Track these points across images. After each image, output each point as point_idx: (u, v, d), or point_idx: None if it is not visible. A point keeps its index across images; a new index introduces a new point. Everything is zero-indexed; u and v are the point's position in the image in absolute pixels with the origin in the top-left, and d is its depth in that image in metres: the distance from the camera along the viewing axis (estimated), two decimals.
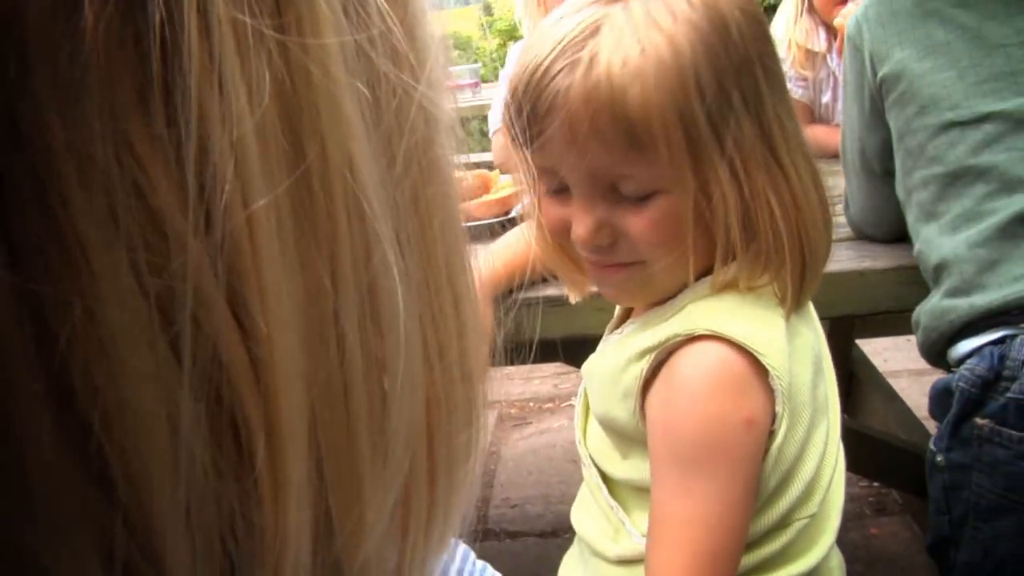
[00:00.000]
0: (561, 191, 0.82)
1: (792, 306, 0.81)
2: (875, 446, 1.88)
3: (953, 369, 1.15)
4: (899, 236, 1.36)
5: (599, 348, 0.92)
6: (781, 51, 2.36)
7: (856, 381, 2.33)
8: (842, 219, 1.49)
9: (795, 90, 2.34)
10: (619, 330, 0.91)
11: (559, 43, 0.75)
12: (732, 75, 0.75)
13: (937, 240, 1.19)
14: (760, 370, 0.76)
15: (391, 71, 0.25)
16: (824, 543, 0.87)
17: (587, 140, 0.75)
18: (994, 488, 1.10)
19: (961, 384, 1.11)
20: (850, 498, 2.37)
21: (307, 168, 0.22)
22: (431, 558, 0.29)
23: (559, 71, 0.74)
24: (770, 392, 0.77)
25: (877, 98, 1.30)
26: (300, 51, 0.22)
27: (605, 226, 0.79)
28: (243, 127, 0.20)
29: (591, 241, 0.80)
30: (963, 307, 1.13)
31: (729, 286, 0.79)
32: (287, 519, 0.22)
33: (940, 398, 1.16)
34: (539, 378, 3.18)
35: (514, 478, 2.55)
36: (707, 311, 0.79)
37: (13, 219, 0.18)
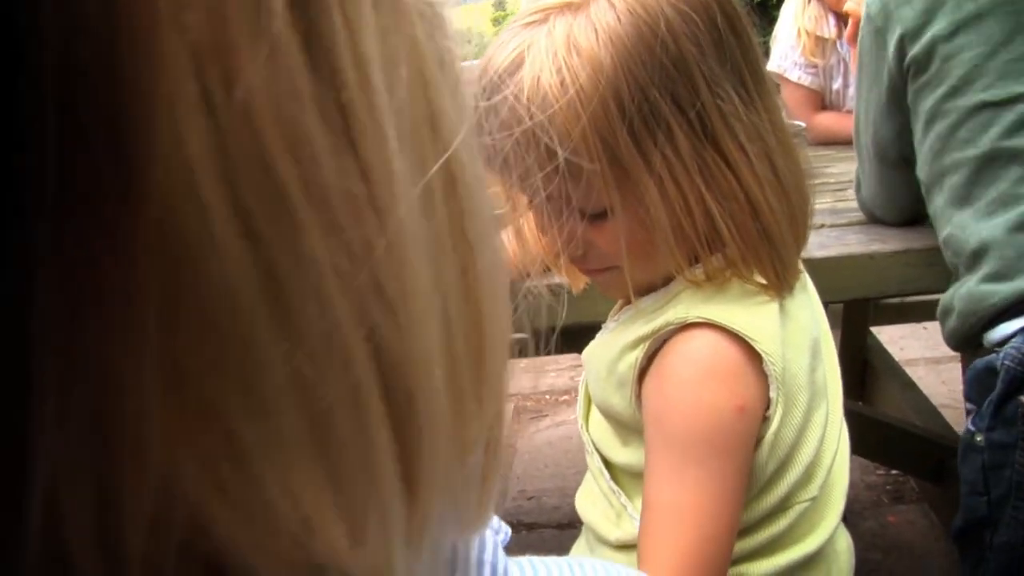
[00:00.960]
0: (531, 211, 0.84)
1: (779, 292, 0.82)
2: (891, 434, 1.88)
3: (996, 349, 1.14)
4: (910, 220, 1.35)
5: (598, 335, 0.93)
6: (790, 39, 2.35)
7: (872, 369, 2.33)
8: (853, 203, 1.49)
9: (804, 77, 2.33)
10: (616, 317, 0.92)
11: (488, 78, 0.76)
12: (660, 84, 0.74)
13: (974, 225, 1.17)
14: (753, 356, 0.78)
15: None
16: (827, 526, 0.88)
17: (524, 168, 0.74)
18: None
19: (1007, 363, 1.10)
20: (867, 486, 2.41)
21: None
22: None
23: (488, 112, 0.74)
24: (764, 378, 0.78)
25: (899, 82, 1.27)
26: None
27: (573, 239, 0.81)
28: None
29: (563, 253, 0.84)
30: (1006, 291, 1.12)
31: (718, 274, 0.80)
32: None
33: (981, 378, 1.14)
34: (554, 371, 3.18)
35: (530, 470, 2.56)
36: (699, 299, 0.80)
37: None
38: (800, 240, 0.85)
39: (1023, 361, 1.09)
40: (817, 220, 1.07)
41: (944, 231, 1.23)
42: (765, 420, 0.80)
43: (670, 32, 0.74)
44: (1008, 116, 1.17)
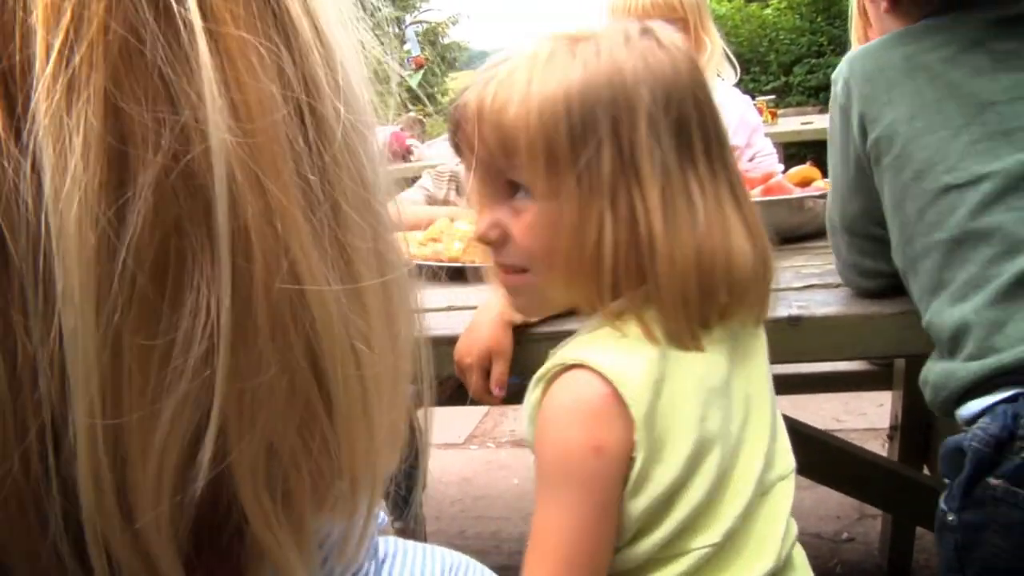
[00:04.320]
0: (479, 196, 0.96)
1: (665, 343, 0.87)
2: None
3: (964, 428, 1.12)
4: (885, 289, 1.32)
5: None
6: None
7: (935, 431, 2.26)
8: None
9: None
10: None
11: (476, 73, 0.93)
12: (606, 107, 0.86)
13: (947, 311, 1.15)
14: (620, 399, 0.84)
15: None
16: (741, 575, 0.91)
17: (475, 144, 0.90)
18: (1012, 549, 1.06)
19: (974, 444, 1.07)
20: (919, 549, 2.33)
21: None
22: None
23: (467, 91, 0.92)
24: (630, 421, 0.84)
25: (864, 162, 1.26)
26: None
27: (497, 225, 0.93)
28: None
29: (484, 235, 0.94)
30: (974, 367, 1.10)
31: (617, 316, 0.88)
32: None
33: (952, 457, 1.12)
34: None
35: None
36: (586, 341, 0.89)
37: None
38: (708, 300, 0.88)
39: (989, 442, 1.06)
40: None
41: (924, 317, 1.20)
42: (631, 461, 0.85)
43: (633, 77, 0.87)
44: (973, 197, 1.14)
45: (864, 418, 3.31)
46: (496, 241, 0.93)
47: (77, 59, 0.26)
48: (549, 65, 0.87)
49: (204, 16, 0.27)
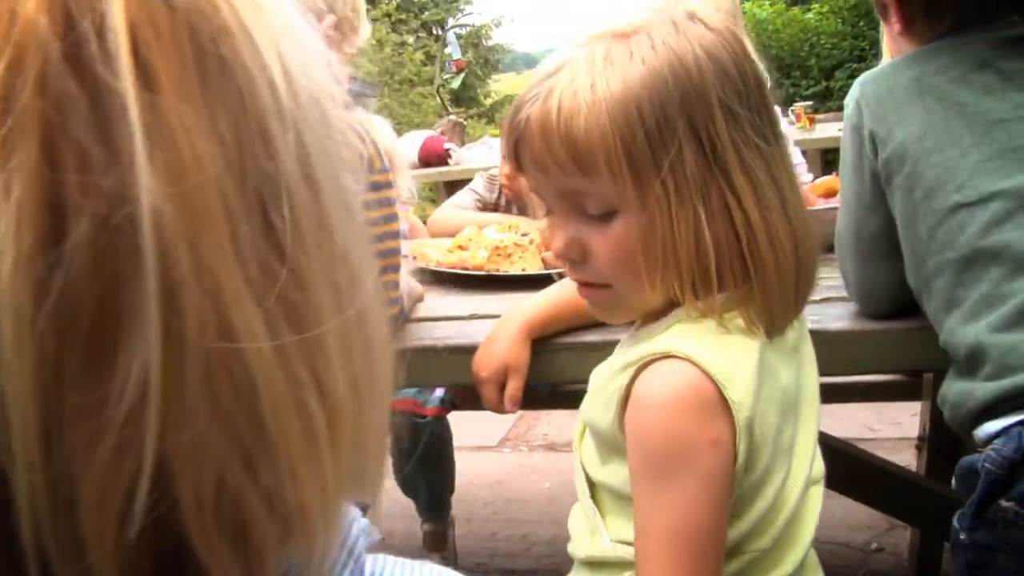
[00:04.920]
0: (550, 212, 0.93)
1: (766, 335, 0.85)
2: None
3: (980, 449, 1.12)
4: (894, 313, 1.33)
5: (609, 359, 0.98)
6: None
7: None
8: None
9: None
10: (621, 343, 0.98)
11: (530, 83, 0.88)
12: (679, 105, 0.82)
13: (961, 329, 1.16)
14: (724, 400, 0.81)
15: None
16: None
17: (545, 162, 0.86)
18: (1021, 572, 1.06)
19: (987, 465, 1.08)
20: (948, 560, 2.31)
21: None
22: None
23: (525, 104, 0.87)
24: (732, 424, 0.82)
25: (880, 177, 1.27)
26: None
27: (576, 242, 0.89)
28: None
29: (563, 254, 0.91)
30: (990, 388, 1.11)
31: (709, 313, 0.85)
32: None
33: (965, 477, 1.13)
34: None
35: None
36: (686, 334, 0.85)
37: None
38: (803, 287, 0.88)
39: (1003, 464, 1.06)
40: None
41: (941, 337, 1.21)
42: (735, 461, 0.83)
43: (696, 65, 0.83)
44: (982, 215, 1.15)
45: (898, 427, 3.28)
46: (576, 259, 0.90)
47: (7, 127, 0.27)
48: (609, 67, 0.83)
49: (137, 81, 0.28)
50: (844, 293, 1.39)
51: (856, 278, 1.36)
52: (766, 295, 0.84)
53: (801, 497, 0.93)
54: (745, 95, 0.85)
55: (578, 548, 0.99)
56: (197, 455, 0.30)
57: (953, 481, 1.18)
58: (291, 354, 0.32)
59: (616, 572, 0.93)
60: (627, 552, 0.91)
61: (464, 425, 2.79)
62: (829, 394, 2.53)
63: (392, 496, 2.69)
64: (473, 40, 18.09)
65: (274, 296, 0.31)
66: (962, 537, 1.12)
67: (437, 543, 2.58)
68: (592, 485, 0.98)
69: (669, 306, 0.88)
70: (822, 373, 1.29)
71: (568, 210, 0.89)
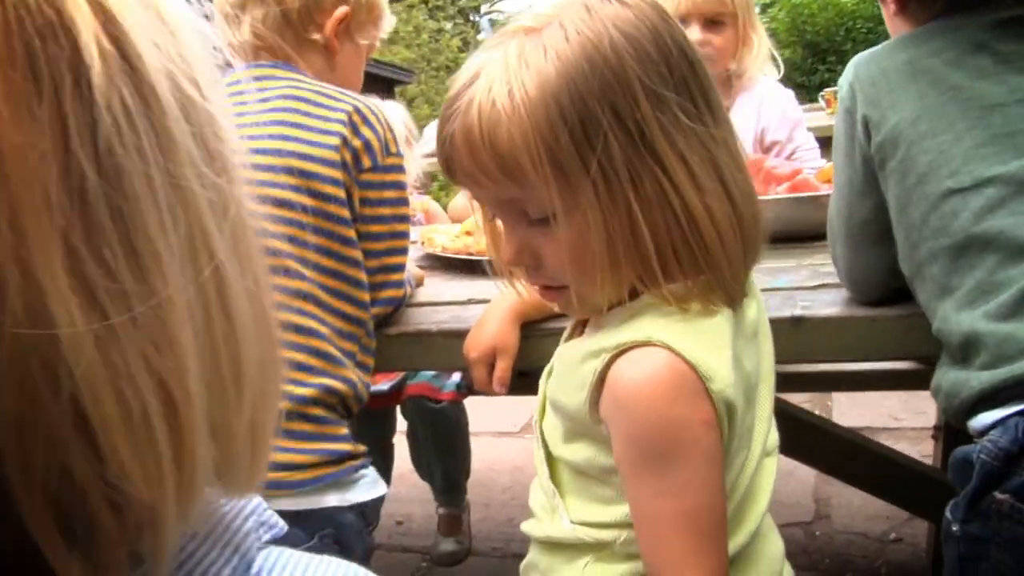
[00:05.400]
0: (495, 217, 0.92)
1: (727, 303, 0.85)
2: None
3: (976, 440, 1.10)
4: (886, 299, 1.31)
5: (576, 340, 0.97)
6: None
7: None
8: None
9: None
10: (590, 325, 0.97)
11: (450, 94, 0.86)
12: (599, 95, 0.80)
13: (955, 317, 1.14)
14: (705, 387, 0.81)
15: None
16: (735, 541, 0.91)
17: (476, 176, 0.85)
18: (1015, 565, 1.04)
19: (983, 456, 1.06)
20: None
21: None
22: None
23: (447, 119, 0.85)
24: (715, 407, 0.82)
25: (872, 162, 1.25)
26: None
27: (525, 248, 0.88)
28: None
29: (516, 261, 0.90)
30: (985, 377, 1.09)
31: (670, 300, 0.84)
32: None
33: (960, 467, 1.11)
34: None
35: None
36: (660, 319, 0.84)
37: None
38: (750, 254, 0.87)
39: (998, 456, 1.04)
40: None
41: (934, 324, 1.19)
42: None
43: (613, 50, 0.81)
44: (977, 201, 1.12)
45: (923, 416, 3.25)
46: (530, 264, 0.89)
47: None
48: (524, 68, 0.81)
49: None
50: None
51: (846, 263, 1.34)
52: (717, 275, 0.84)
53: (755, 470, 0.93)
54: (669, 75, 0.83)
55: (535, 528, 0.98)
56: (19, 438, 0.30)
57: (948, 471, 1.16)
58: (116, 340, 0.32)
59: (575, 554, 0.93)
60: (586, 534, 0.91)
61: (486, 411, 2.80)
62: (852, 382, 2.54)
63: (410, 480, 2.72)
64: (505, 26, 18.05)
65: (100, 283, 0.31)
66: (954, 528, 1.10)
67: (452, 527, 2.60)
68: (552, 462, 0.97)
69: (634, 292, 0.87)
70: (811, 360, 1.28)
71: (511, 218, 0.88)
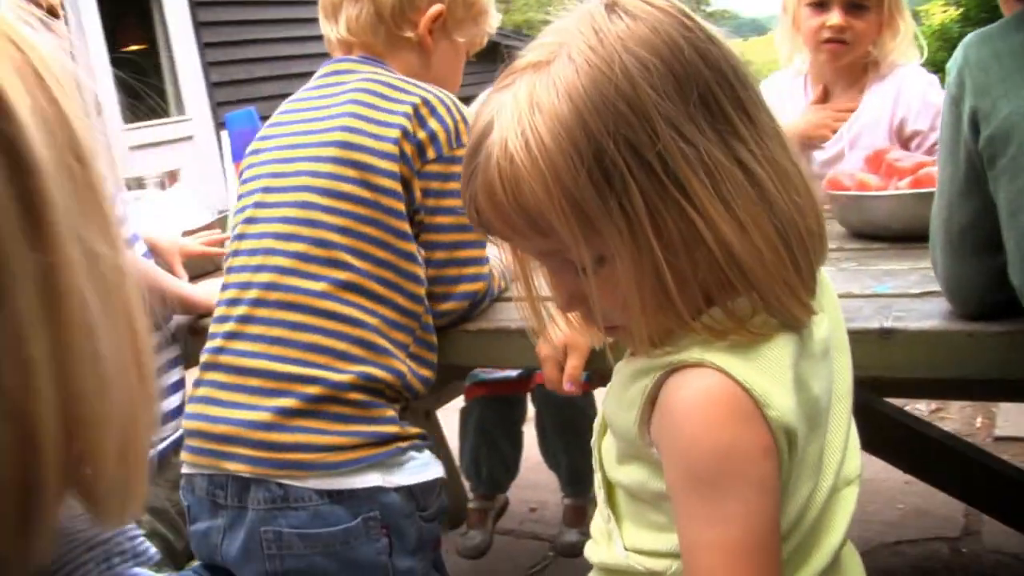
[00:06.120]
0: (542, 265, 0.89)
1: (790, 329, 0.81)
2: None
3: None
4: (985, 315, 1.18)
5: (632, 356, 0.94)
6: None
7: None
8: None
9: None
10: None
11: (467, 148, 0.83)
12: (615, 131, 0.75)
13: None
14: (762, 413, 0.77)
15: None
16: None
17: (509, 234, 0.84)
18: None
19: None
20: None
21: None
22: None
23: (469, 177, 0.82)
24: (772, 434, 0.77)
25: (976, 160, 1.12)
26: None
27: (575, 296, 0.85)
28: None
29: (569, 309, 0.87)
30: None
31: (720, 326, 0.80)
32: None
33: None
34: None
35: None
36: (713, 345, 0.80)
37: None
38: (803, 273, 0.82)
39: None
40: None
41: None
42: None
43: (626, 77, 0.76)
44: None
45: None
46: (583, 310, 0.86)
47: None
48: (536, 113, 0.77)
49: None
50: None
51: (944, 271, 1.22)
52: (764, 294, 0.79)
53: (826, 502, 0.87)
54: (693, 92, 0.77)
55: (593, 552, 0.96)
56: None
57: None
58: None
59: None
60: (638, 562, 0.88)
61: None
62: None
63: (543, 469, 2.72)
64: (692, 6, 17.72)
65: None
66: None
67: (576, 518, 2.59)
68: (609, 485, 0.95)
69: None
70: (900, 375, 1.19)
71: (555, 266, 0.85)
